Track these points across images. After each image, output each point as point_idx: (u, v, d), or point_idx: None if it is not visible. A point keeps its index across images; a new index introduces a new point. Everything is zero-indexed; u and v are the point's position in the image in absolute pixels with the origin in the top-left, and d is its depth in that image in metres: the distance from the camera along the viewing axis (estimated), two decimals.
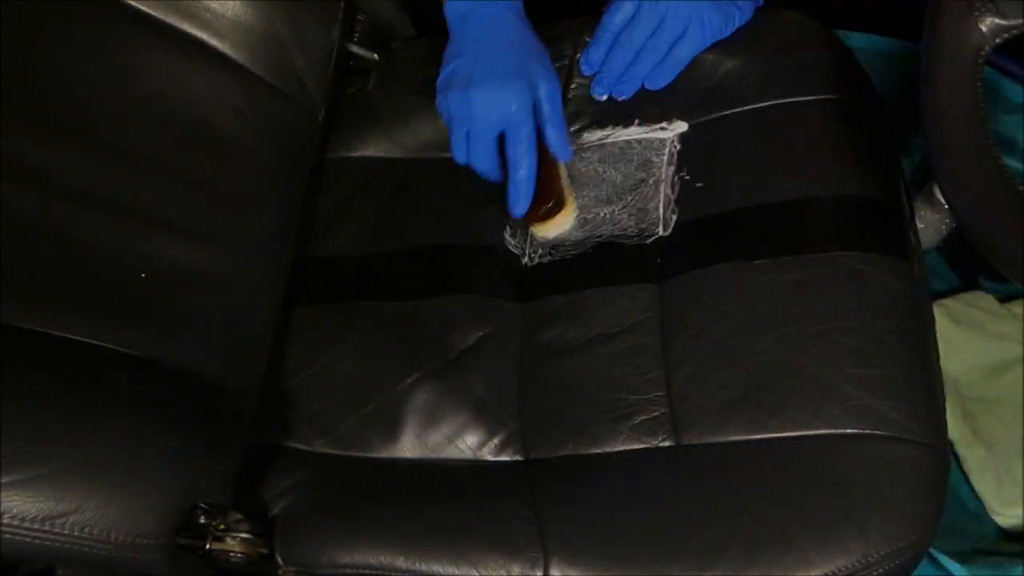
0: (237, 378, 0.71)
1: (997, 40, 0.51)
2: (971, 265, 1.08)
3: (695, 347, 0.72)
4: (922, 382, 0.68)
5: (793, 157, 0.79)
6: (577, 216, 0.81)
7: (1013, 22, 0.50)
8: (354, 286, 0.82)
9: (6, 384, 0.58)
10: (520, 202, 0.78)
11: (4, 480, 0.56)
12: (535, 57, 0.78)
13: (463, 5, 0.79)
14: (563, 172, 0.81)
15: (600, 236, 0.80)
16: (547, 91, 0.77)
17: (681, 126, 0.83)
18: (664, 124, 0.83)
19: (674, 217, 0.79)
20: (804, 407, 0.66)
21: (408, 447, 0.74)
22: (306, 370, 0.78)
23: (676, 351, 0.72)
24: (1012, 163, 1.04)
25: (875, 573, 0.62)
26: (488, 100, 0.76)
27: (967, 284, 1.08)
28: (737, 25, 0.84)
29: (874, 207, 0.75)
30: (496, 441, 0.73)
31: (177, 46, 0.76)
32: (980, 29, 0.51)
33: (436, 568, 0.66)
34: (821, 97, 0.80)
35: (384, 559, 0.67)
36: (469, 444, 0.73)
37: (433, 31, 0.95)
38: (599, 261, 0.79)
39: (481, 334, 0.78)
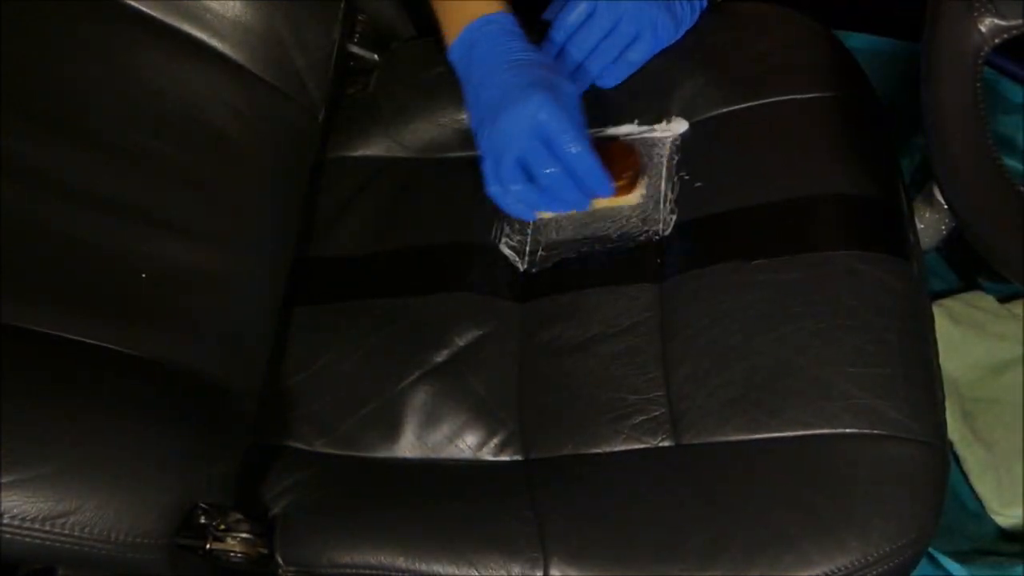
0: (237, 378, 0.71)
1: (996, 40, 0.52)
2: (971, 265, 1.08)
3: (695, 347, 0.72)
4: (922, 381, 0.68)
5: (793, 156, 0.79)
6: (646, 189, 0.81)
7: (1012, 22, 0.50)
8: (354, 286, 0.82)
9: (6, 384, 0.58)
10: (597, 184, 0.77)
11: (4, 480, 0.56)
12: (544, 68, 0.78)
13: (462, 47, 0.80)
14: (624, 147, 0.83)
15: (603, 234, 0.80)
16: (567, 94, 0.77)
17: (681, 125, 0.83)
18: (665, 123, 0.83)
19: (673, 218, 0.79)
20: (804, 406, 0.66)
21: (408, 447, 0.74)
22: (306, 370, 0.78)
23: (676, 351, 0.72)
24: (1012, 163, 1.04)
25: (875, 572, 0.62)
26: (515, 119, 0.75)
27: (967, 284, 1.08)
28: (686, 27, 0.85)
29: (874, 207, 0.75)
30: (496, 441, 0.73)
31: (177, 46, 0.77)
32: (980, 29, 0.51)
33: (436, 568, 0.66)
34: (820, 96, 0.80)
35: (384, 559, 0.67)
36: (469, 444, 0.73)
37: (433, 31, 0.95)
38: (599, 261, 0.79)
39: (481, 334, 0.78)
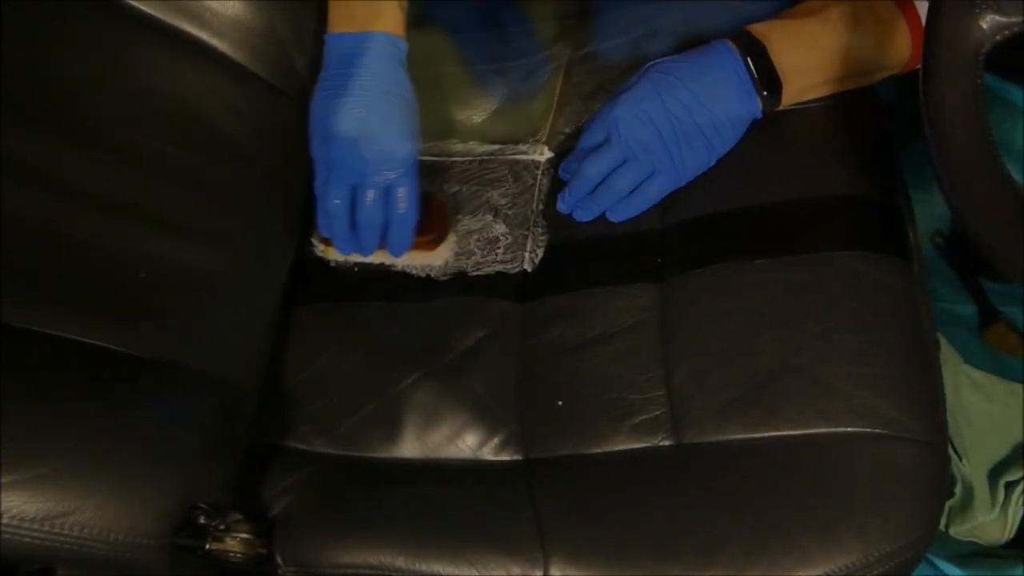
0: (237, 378, 0.71)
1: (997, 38, 0.51)
2: (971, 265, 1.08)
3: (695, 346, 0.72)
4: (922, 381, 0.68)
5: (793, 157, 0.79)
6: (453, 246, 0.83)
7: (1013, 19, 0.50)
8: (354, 286, 0.82)
9: (6, 384, 0.58)
10: (404, 245, 0.79)
11: (4, 480, 0.56)
12: (415, 115, 0.78)
13: (347, 43, 0.77)
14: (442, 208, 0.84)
15: (475, 271, 0.81)
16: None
17: (546, 151, 0.85)
18: (531, 145, 0.85)
19: (542, 247, 0.81)
20: (804, 406, 0.66)
21: (408, 447, 0.74)
22: (306, 370, 0.78)
23: (676, 350, 0.72)
24: (1011, 165, 1.04)
25: (875, 572, 0.62)
26: (384, 154, 0.75)
27: (967, 284, 1.08)
28: (725, 151, 0.78)
29: (874, 207, 0.75)
30: (496, 441, 0.73)
31: (177, 46, 0.76)
32: (980, 27, 0.51)
33: (436, 568, 0.66)
34: (822, 99, 0.80)
35: (384, 559, 0.67)
36: (469, 444, 0.73)
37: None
38: (599, 261, 0.79)
39: (481, 334, 0.78)
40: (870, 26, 0.75)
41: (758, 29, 0.77)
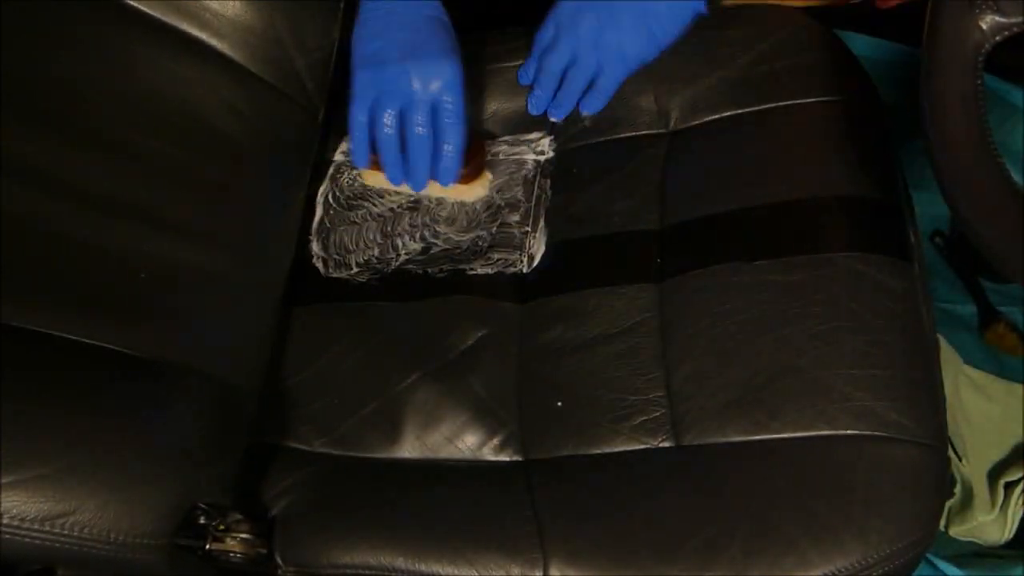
0: (237, 378, 0.71)
1: (997, 38, 0.51)
2: (971, 265, 1.08)
3: (695, 347, 0.72)
4: (922, 383, 0.68)
5: (794, 158, 0.79)
6: (488, 184, 0.83)
7: (1013, 20, 0.50)
8: (354, 286, 0.82)
9: (5, 384, 0.58)
10: (454, 168, 0.79)
11: (4, 480, 0.56)
12: (456, 40, 0.79)
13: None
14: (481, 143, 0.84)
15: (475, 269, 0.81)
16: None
17: (549, 146, 0.85)
18: (535, 139, 0.85)
19: (543, 243, 0.81)
20: (804, 408, 0.66)
21: (408, 447, 0.74)
22: (306, 370, 0.78)
23: (676, 351, 0.72)
24: (1011, 166, 1.04)
25: (875, 573, 0.62)
26: (429, 72, 0.76)
27: (967, 284, 1.08)
28: (669, 41, 0.80)
29: (874, 208, 0.75)
30: (496, 441, 0.73)
31: (177, 46, 0.76)
32: (980, 27, 0.51)
33: (436, 568, 0.66)
34: (823, 100, 0.80)
35: (384, 559, 0.67)
36: (469, 444, 0.73)
37: None
38: (599, 261, 0.79)
39: (481, 334, 0.78)
40: None
41: None
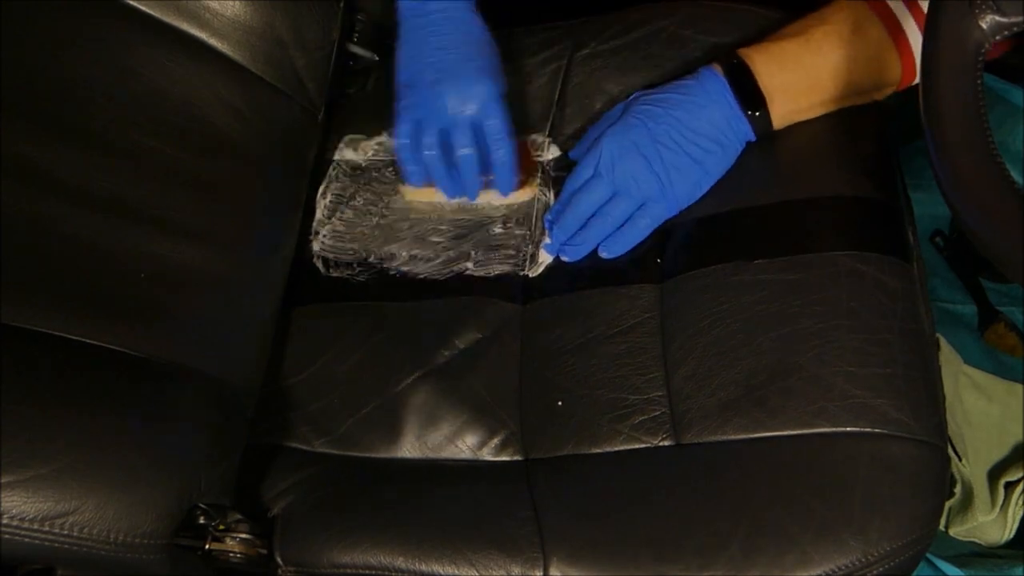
0: (237, 378, 0.71)
1: (997, 38, 0.51)
2: (971, 265, 1.08)
3: (695, 347, 0.71)
4: (922, 381, 0.68)
5: (793, 157, 0.79)
6: (538, 181, 0.84)
7: (1013, 19, 0.50)
8: (354, 286, 0.82)
9: (5, 384, 0.58)
10: (510, 179, 0.80)
11: (4, 480, 0.56)
12: (494, 53, 0.79)
13: (416, 5, 0.78)
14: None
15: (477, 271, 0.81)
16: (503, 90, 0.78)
17: (554, 150, 0.85)
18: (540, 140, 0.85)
19: (543, 247, 0.80)
20: (804, 406, 0.66)
21: (408, 447, 0.74)
22: (306, 370, 0.78)
23: (676, 351, 0.72)
24: (1011, 166, 1.04)
25: (875, 572, 0.62)
26: (466, 94, 0.76)
27: (967, 284, 1.08)
28: (716, 177, 0.78)
29: (874, 207, 0.75)
30: (496, 441, 0.73)
31: (177, 46, 0.76)
32: (980, 26, 0.51)
33: (436, 568, 0.66)
34: None
35: (384, 559, 0.67)
36: (469, 444, 0.73)
37: None
38: (599, 262, 0.79)
39: (481, 335, 0.78)
40: (856, 44, 0.75)
41: (742, 51, 0.77)
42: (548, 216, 0.82)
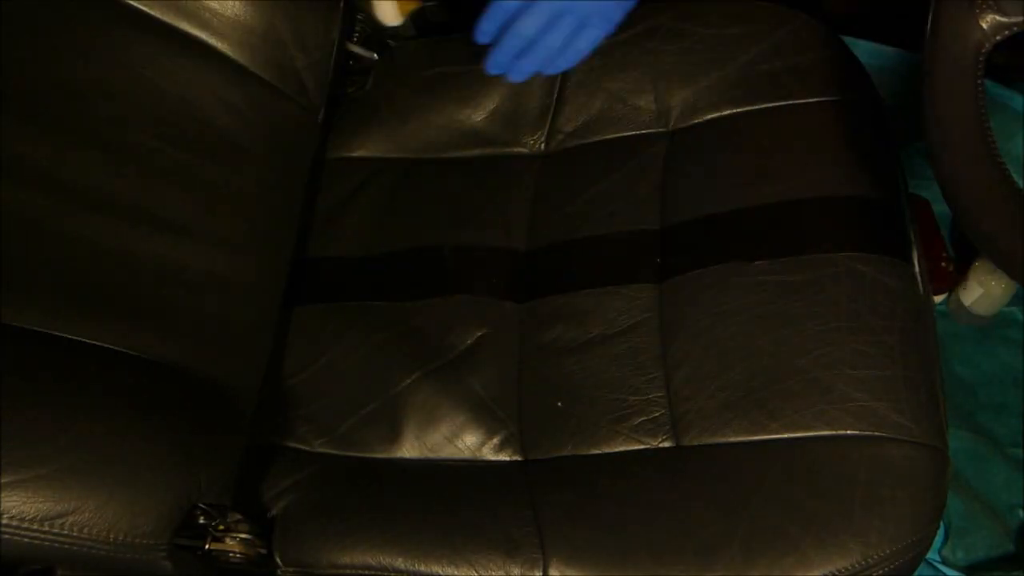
0: (237, 378, 0.71)
1: (998, 38, 0.51)
2: (971, 264, 1.08)
3: (695, 348, 0.71)
4: (923, 384, 0.68)
5: (794, 158, 0.79)
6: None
7: (1014, 20, 0.50)
8: (354, 286, 0.82)
9: (5, 384, 0.58)
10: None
11: (4, 480, 0.56)
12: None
13: None
14: None
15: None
16: None
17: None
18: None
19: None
20: (804, 408, 0.66)
21: (407, 447, 0.74)
22: (306, 370, 0.78)
23: (676, 352, 0.72)
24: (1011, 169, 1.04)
25: (875, 574, 0.62)
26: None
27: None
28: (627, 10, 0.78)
29: (874, 208, 0.75)
30: (495, 441, 0.73)
31: (177, 46, 0.76)
32: (981, 27, 0.51)
33: (435, 568, 0.66)
34: (823, 100, 0.80)
35: (384, 559, 0.67)
36: (468, 444, 0.73)
37: (433, 31, 0.95)
38: (598, 261, 0.79)
39: (480, 334, 0.78)
40: None
41: None
42: (478, 32, 0.79)
